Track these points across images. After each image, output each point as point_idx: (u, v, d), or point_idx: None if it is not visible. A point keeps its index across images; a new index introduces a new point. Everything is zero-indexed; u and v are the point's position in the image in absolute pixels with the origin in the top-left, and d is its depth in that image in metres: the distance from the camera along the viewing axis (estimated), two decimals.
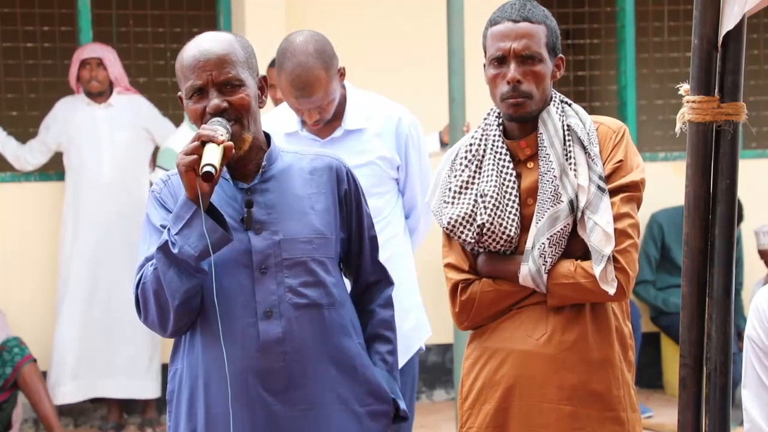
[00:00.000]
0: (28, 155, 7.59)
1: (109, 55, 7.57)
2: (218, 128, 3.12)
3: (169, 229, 3.14)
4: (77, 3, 7.80)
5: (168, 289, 3.14)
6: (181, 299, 3.16)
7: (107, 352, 7.41)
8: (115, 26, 8.32)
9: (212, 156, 3.06)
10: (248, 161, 3.28)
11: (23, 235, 7.68)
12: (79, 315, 7.38)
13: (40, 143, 7.59)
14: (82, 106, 7.56)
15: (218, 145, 3.08)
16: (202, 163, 3.05)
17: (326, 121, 4.52)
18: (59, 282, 7.49)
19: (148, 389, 7.51)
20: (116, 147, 7.49)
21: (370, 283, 3.46)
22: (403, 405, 3.41)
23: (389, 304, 3.48)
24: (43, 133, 7.59)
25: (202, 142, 3.08)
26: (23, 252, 7.67)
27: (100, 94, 7.55)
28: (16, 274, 7.65)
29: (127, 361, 7.42)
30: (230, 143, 3.11)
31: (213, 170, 3.04)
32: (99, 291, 7.38)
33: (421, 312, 4.78)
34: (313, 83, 4.38)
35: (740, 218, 7.92)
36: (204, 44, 3.23)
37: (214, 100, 3.18)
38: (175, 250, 3.11)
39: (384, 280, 3.49)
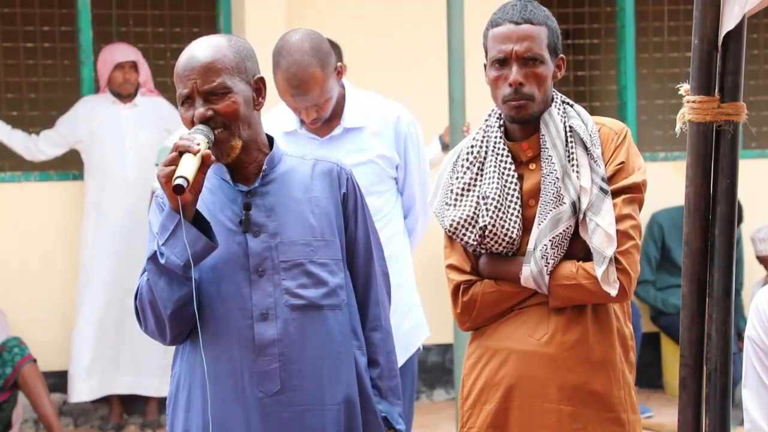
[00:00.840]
0: (42, 144, 7.56)
1: (140, 58, 7.64)
2: (196, 137, 3.11)
3: (156, 240, 3.15)
4: (77, 3, 7.80)
5: (160, 299, 3.16)
6: (173, 308, 3.17)
7: (126, 350, 7.42)
8: (115, 26, 8.32)
9: (186, 168, 3.06)
10: (248, 164, 3.28)
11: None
12: (100, 314, 7.41)
13: (59, 135, 7.57)
14: (106, 105, 7.58)
15: (194, 155, 3.08)
16: (175, 175, 3.06)
17: (324, 119, 4.51)
18: (80, 281, 7.50)
19: (157, 387, 7.53)
20: (139, 146, 7.53)
21: (365, 290, 3.39)
22: (400, 427, 3.40)
23: (379, 326, 3.41)
24: (63, 127, 7.56)
25: (180, 152, 3.09)
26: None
27: (128, 95, 7.59)
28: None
29: (145, 359, 7.43)
30: (207, 152, 3.10)
31: (184, 182, 3.04)
32: (119, 290, 7.38)
33: (419, 312, 4.77)
34: (309, 81, 4.37)
35: (740, 219, 7.91)
36: (193, 51, 3.23)
37: (199, 109, 3.18)
38: (163, 261, 3.13)
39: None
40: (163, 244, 3.12)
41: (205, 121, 3.17)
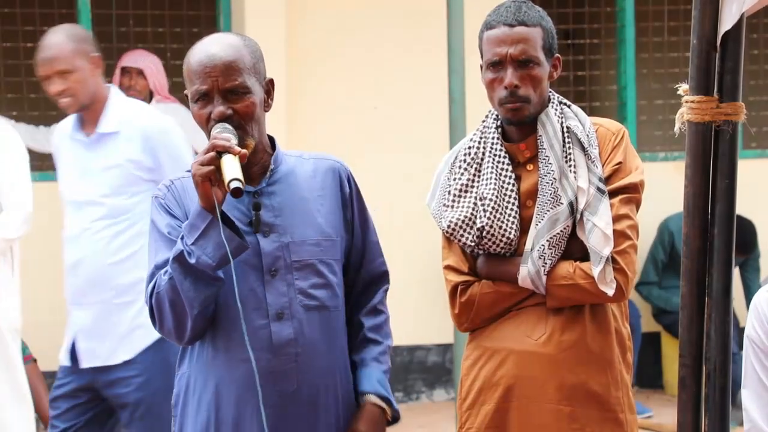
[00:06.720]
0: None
1: (150, 65, 7.49)
2: (231, 137, 3.11)
3: (183, 239, 3.13)
4: (77, 3, 7.81)
5: (186, 298, 3.13)
6: (200, 308, 3.16)
7: None
8: (115, 26, 8.32)
9: (235, 169, 3.05)
10: (253, 164, 3.25)
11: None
12: None
13: None
14: None
15: (234, 155, 3.07)
16: (228, 178, 3.03)
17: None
18: None
19: None
20: None
21: (366, 287, 3.43)
22: (395, 405, 3.41)
23: (378, 311, 3.43)
24: None
25: (218, 152, 3.08)
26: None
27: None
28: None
29: None
30: (245, 151, 3.10)
31: (241, 184, 3.03)
32: None
33: None
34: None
35: (753, 246, 7.94)
36: (212, 48, 3.21)
37: (219, 107, 3.16)
38: (192, 260, 3.10)
39: (379, 281, 3.47)
40: (192, 244, 3.10)
41: (223, 119, 3.17)
